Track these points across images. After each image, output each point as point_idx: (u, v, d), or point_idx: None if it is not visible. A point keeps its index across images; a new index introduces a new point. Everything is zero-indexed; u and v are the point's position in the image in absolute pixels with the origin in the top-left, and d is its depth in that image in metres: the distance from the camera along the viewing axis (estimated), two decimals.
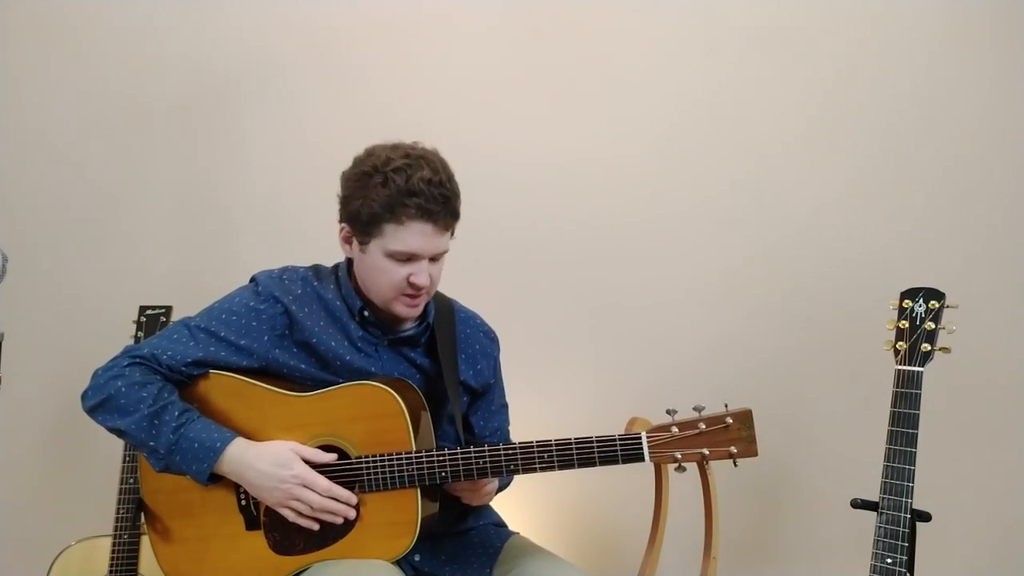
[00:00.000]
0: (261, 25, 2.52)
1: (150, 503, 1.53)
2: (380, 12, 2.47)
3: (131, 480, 1.98)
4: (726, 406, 1.40)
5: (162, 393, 1.44)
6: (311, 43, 2.51)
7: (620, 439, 1.39)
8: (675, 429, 1.39)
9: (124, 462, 2.00)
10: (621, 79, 2.39)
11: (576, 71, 2.41)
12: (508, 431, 1.73)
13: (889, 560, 1.53)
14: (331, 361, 1.52)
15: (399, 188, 1.40)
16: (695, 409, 1.40)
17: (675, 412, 1.40)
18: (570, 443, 1.40)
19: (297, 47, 2.51)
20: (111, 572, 1.99)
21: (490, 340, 1.69)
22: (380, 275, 1.47)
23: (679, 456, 1.38)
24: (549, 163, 2.40)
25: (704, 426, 1.38)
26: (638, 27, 2.38)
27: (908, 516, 1.53)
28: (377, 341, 1.56)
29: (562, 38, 2.41)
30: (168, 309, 2.12)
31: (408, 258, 1.45)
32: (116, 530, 1.99)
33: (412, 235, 1.43)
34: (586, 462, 1.39)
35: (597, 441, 1.39)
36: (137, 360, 1.47)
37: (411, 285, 1.46)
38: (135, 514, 1.98)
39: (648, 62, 2.38)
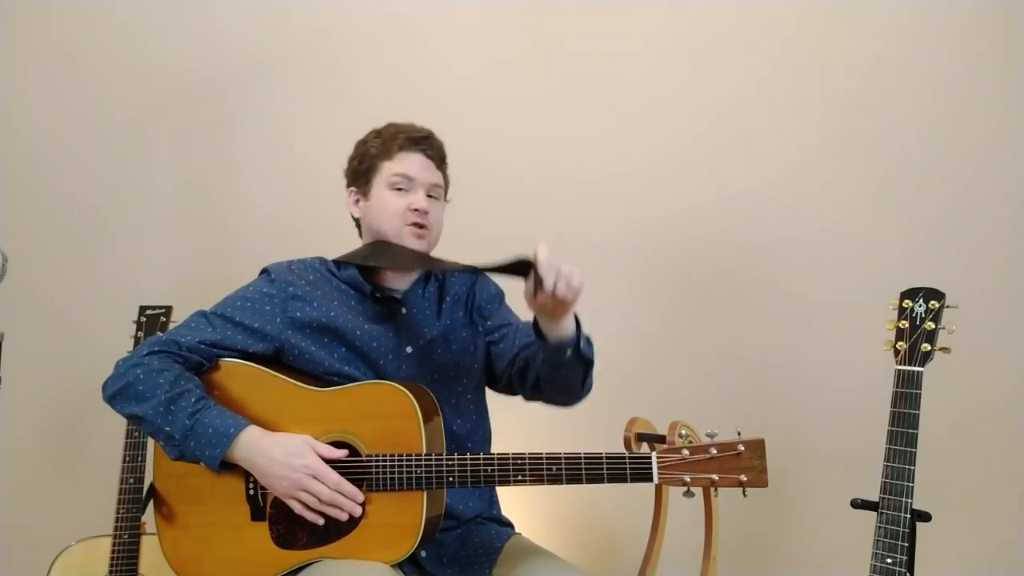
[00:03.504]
0: (258, 25, 2.52)
1: (160, 487, 1.54)
2: (375, 14, 2.48)
3: (131, 480, 1.99)
4: (739, 433, 1.40)
5: (179, 380, 1.46)
6: (307, 43, 2.51)
7: (630, 458, 1.39)
8: (686, 452, 1.38)
9: (124, 462, 2.00)
10: (621, 80, 2.39)
11: (575, 77, 2.41)
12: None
13: (889, 560, 1.53)
14: (346, 335, 1.55)
15: (388, 134, 1.64)
16: (708, 435, 1.40)
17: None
18: (579, 458, 1.39)
19: (293, 47, 2.52)
20: (111, 572, 1.99)
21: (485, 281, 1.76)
22: (385, 209, 1.61)
23: (688, 480, 1.38)
24: (551, 162, 2.41)
25: (715, 451, 1.38)
26: (637, 30, 2.39)
27: (908, 516, 1.53)
28: (392, 314, 1.61)
29: (561, 43, 2.42)
30: (168, 309, 2.13)
31: (404, 186, 1.60)
32: (116, 530, 1.99)
33: (404, 162, 1.61)
34: (594, 478, 1.39)
35: (607, 458, 1.39)
36: (156, 349, 1.50)
37: (413, 211, 1.59)
38: (135, 514, 1.98)
39: (651, 68, 2.38)
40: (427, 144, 1.63)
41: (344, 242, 1.67)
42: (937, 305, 1.59)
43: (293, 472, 1.41)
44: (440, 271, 1.69)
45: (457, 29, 2.47)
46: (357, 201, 1.66)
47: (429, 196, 1.62)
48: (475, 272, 1.55)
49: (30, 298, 2.46)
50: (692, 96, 2.36)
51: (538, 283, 1.37)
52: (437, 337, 1.63)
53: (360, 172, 1.65)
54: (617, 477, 1.38)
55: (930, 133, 2.21)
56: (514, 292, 1.72)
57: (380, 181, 1.62)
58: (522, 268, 1.39)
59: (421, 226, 1.59)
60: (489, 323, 1.69)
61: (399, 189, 1.60)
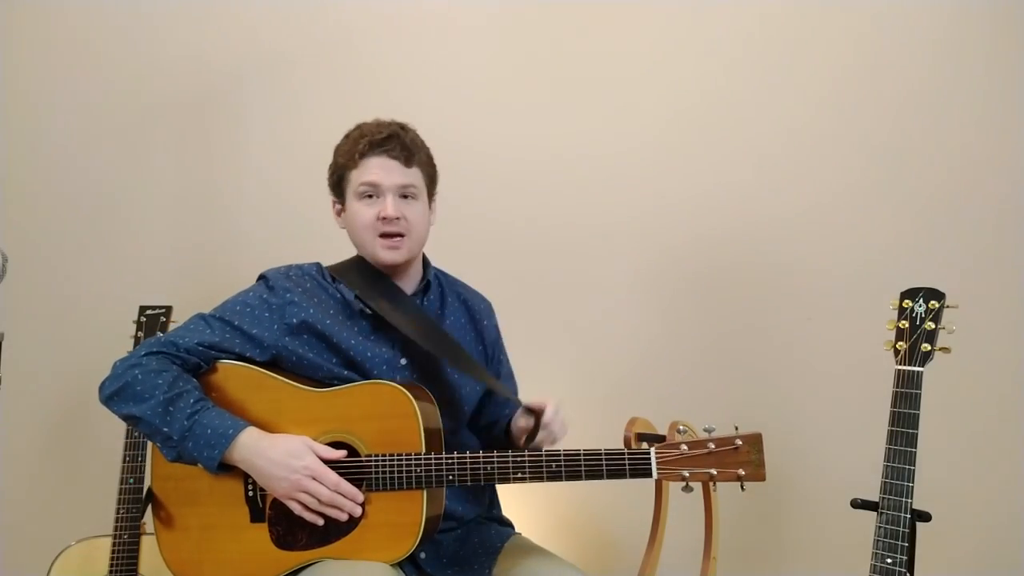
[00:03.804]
0: (260, 25, 2.52)
1: (158, 490, 1.54)
2: (383, 10, 2.48)
3: (131, 480, 1.99)
4: (736, 428, 1.40)
5: (177, 381, 1.45)
6: (312, 42, 2.51)
7: (629, 454, 1.40)
8: (684, 447, 1.39)
9: (124, 462, 2.00)
10: (621, 78, 2.39)
11: (583, 74, 2.41)
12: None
13: (889, 560, 1.53)
14: (340, 344, 1.53)
15: (352, 139, 1.59)
16: (705, 430, 1.41)
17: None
18: (578, 455, 1.40)
19: (297, 46, 2.51)
20: (111, 572, 1.99)
21: (484, 304, 1.76)
22: (357, 222, 1.58)
23: (687, 475, 1.39)
24: (560, 161, 2.41)
25: (714, 446, 1.39)
26: (635, 25, 2.39)
27: (908, 516, 1.53)
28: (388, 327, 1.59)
29: (560, 39, 2.42)
30: (168, 309, 2.13)
31: (372, 193, 1.56)
32: (116, 530, 1.99)
33: (368, 168, 1.55)
34: (593, 474, 1.40)
35: (606, 454, 1.40)
36: (155, 350, 1.49)
37: (382, 220, 1.54)
38: (135, 514, 1.98)
39: (646, 60, 2.38)
40: (390, 144, 1.55)
41: (345, 244, 1.67)
42: (937, 305, 1.59)
43: (292, 473, 1.40)
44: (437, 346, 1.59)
45: (466, 25, 2.46)
46: (339, 213, 1.64)
47: (404, 196, 1.57)
48: (473, 374, 1.61)
49: (30, 298, 2.46)
50: (688, 92, 2.35)
51: (533, 431, 1.53)
52: (435, 350, 1.60)
53: (334, 184, 1.62)
54: (616, 473, 1.39)
55: (930, 132, 2.21)
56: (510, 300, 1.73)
57: (351, 192, 1.58)
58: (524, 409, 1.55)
59: (392, 235, 1.55)
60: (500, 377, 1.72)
61: (368, 197, 1.56)
